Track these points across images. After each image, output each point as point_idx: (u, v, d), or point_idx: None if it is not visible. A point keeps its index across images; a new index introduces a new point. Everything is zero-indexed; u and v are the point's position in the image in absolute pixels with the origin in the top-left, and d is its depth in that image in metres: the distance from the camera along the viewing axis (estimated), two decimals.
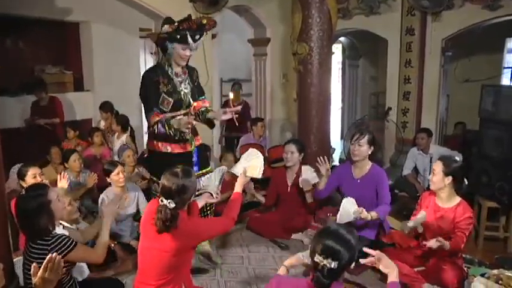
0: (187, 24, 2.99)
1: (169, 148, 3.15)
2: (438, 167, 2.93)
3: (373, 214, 3.17)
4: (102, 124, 5.58)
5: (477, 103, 4.27)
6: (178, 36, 2.98)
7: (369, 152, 3.43)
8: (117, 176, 3.46)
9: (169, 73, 3.13)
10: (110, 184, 3.54)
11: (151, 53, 7.16)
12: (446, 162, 2.94)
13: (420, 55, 6.04)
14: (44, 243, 2.13)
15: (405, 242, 3.41)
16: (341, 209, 3.18)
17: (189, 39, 2.98)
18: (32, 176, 3.21)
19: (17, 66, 5.72)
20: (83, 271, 2.83)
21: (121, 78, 6.23)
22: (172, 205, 2.12)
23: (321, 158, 3.62)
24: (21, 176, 3.25)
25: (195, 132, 3.32)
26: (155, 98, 3.07)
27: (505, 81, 7.52)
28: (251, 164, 2.81)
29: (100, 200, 3.54)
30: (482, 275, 2.77)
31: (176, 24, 3.02)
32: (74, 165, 4.05)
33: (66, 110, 5.57)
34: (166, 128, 3.02)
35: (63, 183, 3.28)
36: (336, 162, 6.32)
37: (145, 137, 7.17)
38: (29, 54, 5.94)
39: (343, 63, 9.42)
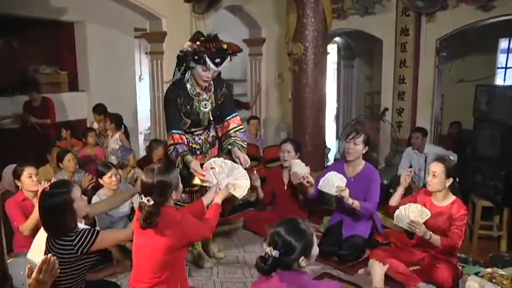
0: (205, 45, 2.82)
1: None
2: (438, 168, 2.84)
3: (356, 203, 3.22)
4: (95, 126, 5.56)
5: (471, 103, 4.29)
6: (196, 57, 2.83)
7: (364, 152, 3.46)
8: (109, 179, 3.44)
9: (190, 93, 3.01)
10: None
11: (146, 53, 7.15)
12: (446, 163, 2.87)
13: (415, 55, 6.06)
14: (68, 239, 2.16)
15: (400, 241, 3.44)
16: (326, 175, 3.24)
17: (208, 62, 2.81)
18: (28, 175, 3.18)
19: (11, 66, 5.67)
20: None
21: (116, 78, 6.21)
22: (151, 202, 2.12)
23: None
24: (16, 175, 3.23)
25: (212, 144, 3.24)
26: (174, 119, 2.99)
27: (498, 81, 7.56)
28: (238, 183, 2.75)
29: (93, 201, 3.51)
30: (476, 274, 2.77)
31: (198, 43, 2.86)
32: (68, 165, 4.02)
33: (61, 110, 5.55)
34: (179, 159, 2.91)
35: None
36: (331, 162, 6.32)
37: (140, 137, 7.18)
38: (23, 54, 5.90)
39: (338, 63, 9.43)
